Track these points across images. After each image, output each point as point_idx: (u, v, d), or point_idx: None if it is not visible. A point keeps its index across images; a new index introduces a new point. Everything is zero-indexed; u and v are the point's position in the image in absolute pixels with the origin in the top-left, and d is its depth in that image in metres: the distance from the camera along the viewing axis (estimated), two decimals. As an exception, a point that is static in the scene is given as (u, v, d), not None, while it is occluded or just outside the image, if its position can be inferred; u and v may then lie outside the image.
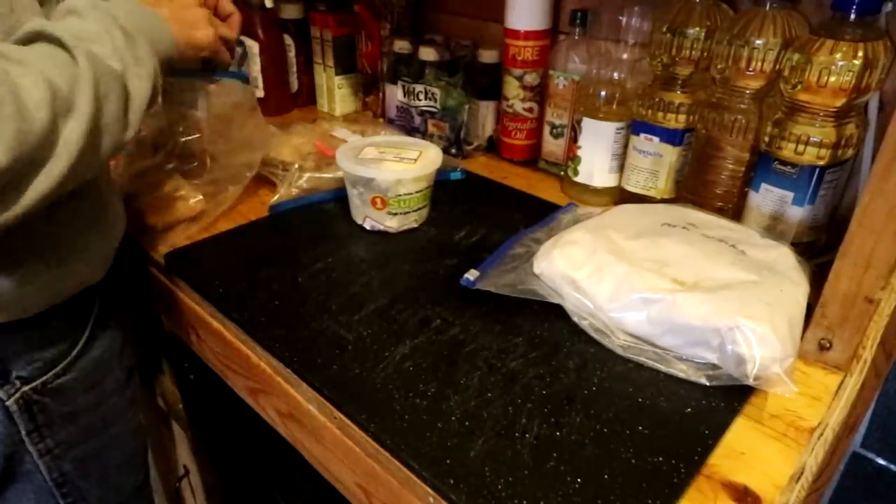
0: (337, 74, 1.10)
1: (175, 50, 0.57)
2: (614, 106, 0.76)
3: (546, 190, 0.85)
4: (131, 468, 0.69)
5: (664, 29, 0.69)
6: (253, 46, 1.01)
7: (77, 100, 0.42)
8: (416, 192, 0.71)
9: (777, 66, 0.62)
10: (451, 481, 0.42)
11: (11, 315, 0.51)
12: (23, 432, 0.55)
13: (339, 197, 0.78)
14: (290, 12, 1.09)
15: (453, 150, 0.94)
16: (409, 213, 0.72)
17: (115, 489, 0.67)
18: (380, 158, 0.72)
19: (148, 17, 0.54)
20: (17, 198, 0.41)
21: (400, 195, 0.70)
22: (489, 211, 0.78)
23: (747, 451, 0.45)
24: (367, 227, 0.73)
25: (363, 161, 0.71)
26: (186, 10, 0.61)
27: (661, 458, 0.44)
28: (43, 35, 0.44)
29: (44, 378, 0.55)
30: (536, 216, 0.72)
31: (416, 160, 0.72)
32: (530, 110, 0.90)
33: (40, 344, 0.55)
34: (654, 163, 0.74)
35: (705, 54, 0.68)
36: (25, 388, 0.54)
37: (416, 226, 0.74)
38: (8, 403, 0.53)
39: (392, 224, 0.72)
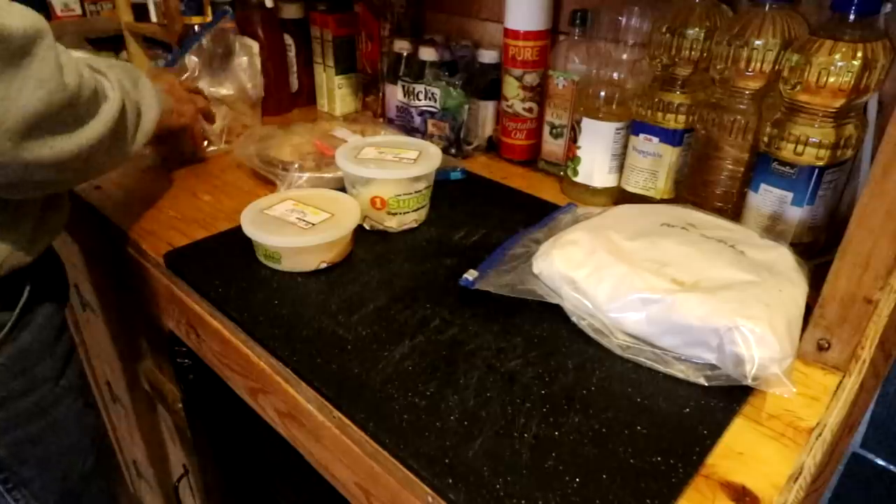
0: (337, 74, 1.10)
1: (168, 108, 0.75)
2: (614, 106, 0.76)
3: (545, 190, 0.85)
4: (76, 454, 0.69)
5: (664, 29, 0.69)
6: (253, 46, 1.01)
7: (111, 95, 0.55)
8: (416, 192, 0.71)
9: (776, 67, 0.62)
10: (450, 481, 0.42)
11: None
12: None
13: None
14: (291, 12, 1.09)
15: (453, 150, 0.94)
16: (408, 213, 0.72)
17: (61, 476, 0.67)
18: (379, 158, 0.72)
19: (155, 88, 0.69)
20: (57, 136, 0.49)
21: (399, 195, 0.70)
22: (489, 211, 0.78)
23: (746, 452, 0.46)
24: (367, 227, 0.73)
25: (363, 161, 0.71)
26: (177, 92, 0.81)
27: (659, 458, 0.44)
28: (92, 66, 0.56)
29: None
30: (536, 216, 0.72)
31: (415, 160, 0.72)
32: (530, 110, 0.90)
33: None
34: (654, 163, 0.75)
35: (705, 55, 0.68)
36: None
37: (415, 226, 0.74)
38: None
39: (391, 224, 0.72)
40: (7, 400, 0.60)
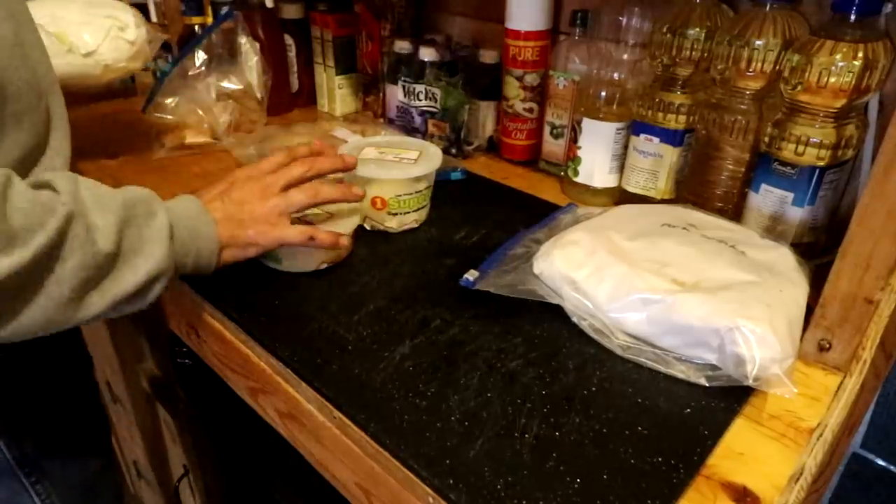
0: (337, 74, 1.10)
1: (216, 258, 0.55)
2: (614, 106, 0.76)
3: (546, 190, 0.85)
4: (92, 452, 0.70)
5: (664, 29, 0.69)
6: (253, 46, 1.01)
7: (20, 242, 0.39)
8: (416, 192, 0.71)
9: (777, 67, 0.62)
10: (451, 481, 0.42)
11: None
12: None
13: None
14: (291, 12, 1.09)
15: (453, 151, 0.94)
16: (408, 213, 0.72)
17: (79, 469, 0.68)
18: (380, 159, 0.72)
19: (195, 218, 0.53)
20: None
21: (400, 196, 0.70)
22: (489, 211, 0.78)
23: (747, 452, 0.45)
24: (368, 228, 0.73)
25: (363, 161, 0.71)
26: (249, 204, 0.56)
27: (660, 459, 0.44)
28: (50, 184, 0.44)
29: None
30: (536, 216, 0.72)
31: (416, 160, 0.72)
32: (530, 110, 0.90)
33: None
34: (654, 163, 0.74)
35: (705, 55, 0.68)
36: None
37: (416, 226, 0.74)
38: None
39: (392, 224, 0.72)
40: (32, 395, 0.60)
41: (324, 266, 0.65)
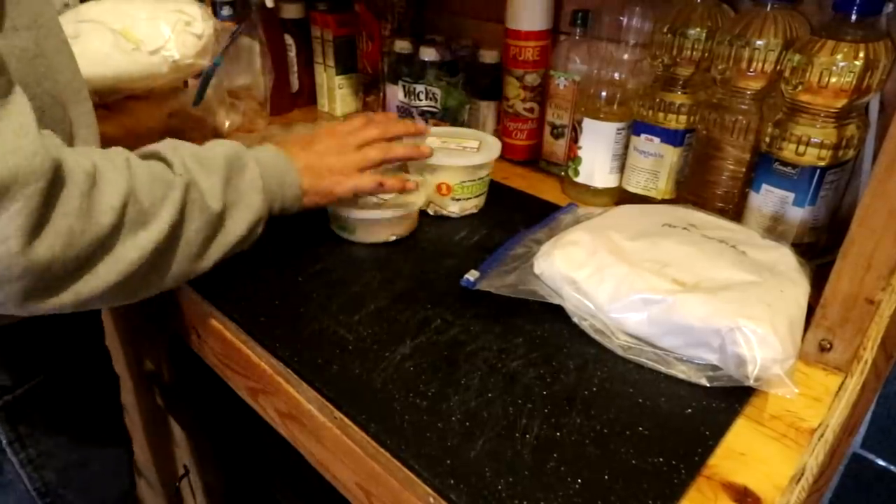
0: (337, 74, 1.10)
1: (300, 203, 0.59)
2: (615, 106, 0.76)
3: (546, 190, 0.85)
4: (115, 476, 0.69)
5: (665, 29, 0.69)
6: (253, 46, 1.01)
7: (154, 217, 0.44)
8: (479, 179, 0.75)
9: (778, 67, 0.62)
10: (452, 481, 0.42)
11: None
12: (4, 442, 0.55)
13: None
14: (291, 12, 1.08)
15: (454, 151, 0.94)
16: (470, 199, 0.76)
17: (100, 499, 0.66)
18: (444, 147, 0.76)
19: (280, 168, 0.57)
20: (55, 294, 0.41)
21: (464, 182, 0.74)
22: (489, 211, 0.78)
23: (748, 452, 0.45)
24: (431, 213, 0.77)
25: None
26: (328, 157, 0.61)
27: (661, 459, 0.44)
28: (158, 155, 0.49)
29: (26, 386, 0.54)
30: (537, 216, 0.72)
31: (477, 149, 0.76)
32: (531, 110, 0.90)
33: (22, 352, 0.54)
34: (655, 163, 0.74)
35: (706, 55, 0.68)
36: (7, 396, 0.53)
37: (475, 211, 0.78)
38: None
39: (454, 209, 0.76)
40: (60, 424, 0.59)
41: (393, 238, 0.70)
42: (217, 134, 0.94)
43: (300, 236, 0.72)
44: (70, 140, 0.51)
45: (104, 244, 0.41)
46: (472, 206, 0.77)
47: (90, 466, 0.64)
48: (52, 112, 0.47)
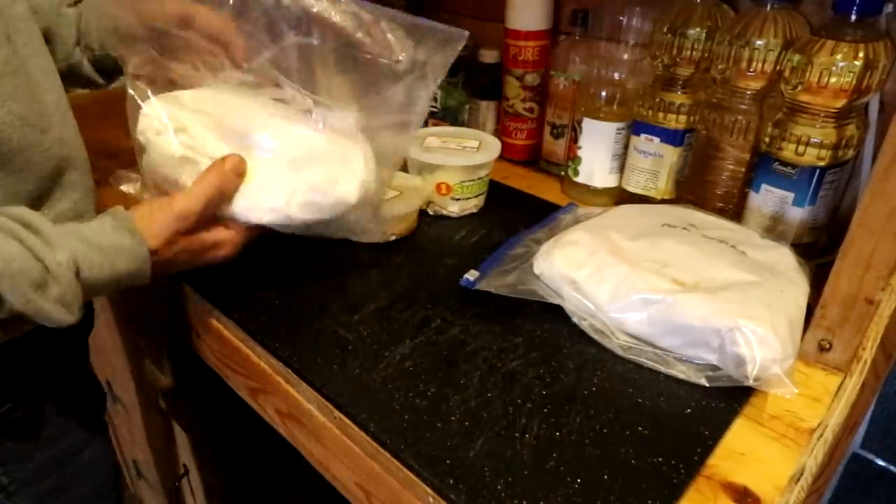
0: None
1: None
2: (615, 106, 0.76)
3: (546, 190, 0.85)
4: (100, 496, 0.67)
5: (665, 29, 0.69)
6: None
7: None
8: (478, 178, 0.75)
9: (778, 67, 0.62)
10: (451, 481, 0.42)
11: None
12: None
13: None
14: (291, 12, 1.08)
15: (454, 150, 0.94)
16: (470, 198, 0.76)
17: None
18: (444, 147, 0.76)
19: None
20: None
21: (464, 181, 0.74)
22: (489, 211, 0.78)
23: (747, 452, 0.45)
24: (430, 213, 0.77)
25: (429, 149, 0.75)
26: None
27: (660, 459, 0.44)
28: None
29: None
30: (537, 216, 0.72)
31: (477, 149, 0.76)
32: (531, 110, 0.90)
33: None
34: (655, 163, 0.74)
35: (706, 55, 0.68)
36: None
37: (475, 211, 0.78)
38: None
39: (454, 209, 0.76)
40: (36, 450, 0.57)
41: (392, 238, 0.70)
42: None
43: (300, 236, 0.72)
44: (56, 171, 0.50)
45: None
46: (471, 205, 0.77)
47: (70, 491, 0.62)
48: (30, 141, 0.46)
